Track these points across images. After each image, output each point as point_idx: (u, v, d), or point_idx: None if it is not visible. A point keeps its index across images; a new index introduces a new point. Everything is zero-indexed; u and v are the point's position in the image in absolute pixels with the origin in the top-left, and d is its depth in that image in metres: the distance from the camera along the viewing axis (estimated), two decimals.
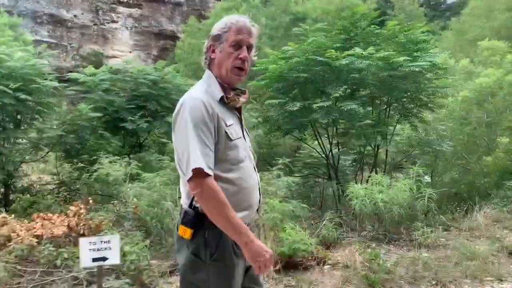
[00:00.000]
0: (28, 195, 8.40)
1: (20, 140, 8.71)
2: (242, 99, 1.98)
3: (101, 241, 3.60)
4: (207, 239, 1.83)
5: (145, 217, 4.87)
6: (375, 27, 7.31)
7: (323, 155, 7.37)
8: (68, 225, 4.91)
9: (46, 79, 8.44)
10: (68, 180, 9.55)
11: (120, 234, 4.56)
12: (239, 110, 2.01)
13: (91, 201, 5.20)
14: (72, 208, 5.22)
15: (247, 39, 1.91)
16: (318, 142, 7.27)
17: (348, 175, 8.23)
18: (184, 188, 1.93)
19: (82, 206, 5.17)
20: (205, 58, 1.98)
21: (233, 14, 2.01)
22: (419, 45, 7.22)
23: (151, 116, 10.47)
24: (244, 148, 1.95)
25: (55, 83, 8.68)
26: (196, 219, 1.83)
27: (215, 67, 1.95)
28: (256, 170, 2.02)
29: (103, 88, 10.58)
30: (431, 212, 6.20)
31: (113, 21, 27.56)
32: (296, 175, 7.53)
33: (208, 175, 1.75)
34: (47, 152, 9.38)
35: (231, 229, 1.76)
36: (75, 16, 26.06)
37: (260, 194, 2.02)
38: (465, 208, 6.98)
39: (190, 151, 1.74)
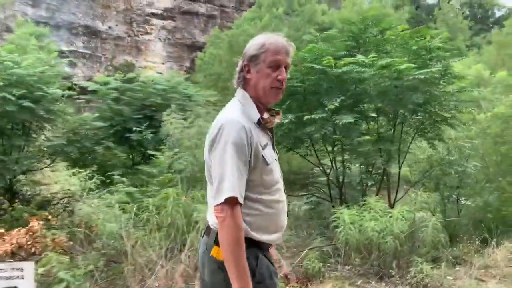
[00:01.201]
0: (28, 205, 8.15)
1: (30, 148, 8.56)
2: (276, 119, 1.97)
3: (12, 268, 3.11)
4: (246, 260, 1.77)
5: (101, 237, 4.38)
6: (390, 33, 6.55)
7: (324, 174, 6.67)
8: (16, 243, 4.49)
9: (58, 88, 8.29)
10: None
11: (72, 255, 4.08)
12: (271, 130, 1.98)
13: (50, 216, 4.78)
14: (32, 223, 4.82)
15: (285, 59, 1.90)
16: (317, 158, 6.57)
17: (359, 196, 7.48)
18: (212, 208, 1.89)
19: (38, 222, 4.75)
20: (238, 78, 1.95)
21: (267, 33, 1.97)
22: (433, 52, 6.43)
23: (159, 127, 10.08)
24: (277, 169, 1.94)
25: (62, 92, 8.49)
26: None
27: (250, 88, 1.92)
28: (285, 190, 2.00)
29: (112, 97, 10.39)
30: (440, 244, 5.35)
31: (147, 33, 27.89)
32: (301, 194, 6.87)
33: (238, 203, 1.75)
34: (52, 162, 9.16)
35: (235, 269, 1.71)
36: (109, 27, 26.55)
37: (286, 216, 2.01)
38: (485, 240, 6.06)
39: (227, 177, 1.73)
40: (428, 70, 5.58)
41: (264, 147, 1.85)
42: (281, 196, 1.94)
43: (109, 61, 25.98)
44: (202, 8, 29.34)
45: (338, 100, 5.55)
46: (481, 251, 5.52)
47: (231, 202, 1.72)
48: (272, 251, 2.11)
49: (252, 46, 1.92)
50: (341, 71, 5.56)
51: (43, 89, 7.71)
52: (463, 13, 45.45)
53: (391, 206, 6.12)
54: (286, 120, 5.60)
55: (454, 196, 8.96)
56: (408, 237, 4.86)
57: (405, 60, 5.98)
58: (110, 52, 26.33)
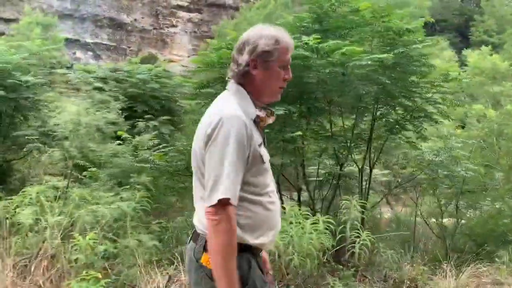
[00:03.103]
0: None
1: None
2: (270, 120, 1.86)
3: None
4: (238, 266, 1.66)
5: None
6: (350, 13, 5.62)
7: None
8: None
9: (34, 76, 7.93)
10: None
11: None
12: (262, 129, 1.85)
13: None
14: None
15: (290, 58, 1.82)
16: None
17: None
18: (202, 210, 1.73)
19: None
20: (238, 71, 1.77)
21: (267, 25, 1.84)
22: (404, 36, 5.47)
23: (139, 118, 9.60)
24: (270, 171, 1.84)
25: (34, 79, 8.14)
26: None
27: (253, 84, 1.78)
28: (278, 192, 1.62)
29: (94, 87, 10.06)
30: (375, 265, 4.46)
31: (173, 26, 27.74)
32: None
33: (232, 205, 1.63)
34: (28, 153, 8.88)
35: (225, 278, 1.60)
36: (135, 20, 26.61)
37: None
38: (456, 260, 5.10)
39: (223, 176, 1.61)
40: (379, 56, 4.65)
41: (259, 145, 1.74)
42: (276, 197, 1.84)
43: (134, 54, 26.02)
44: (229, 0, 28.80)
45: None
46: (437, 275, 4.56)
47: (225, 204, 1.61)
48: (265, 255, 1.96)
49: (263, 40, 1.74)
50: None
51: (15, 76, 7.33)
52: None
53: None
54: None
55: (452, 204, 7.92)
56: (332, 255, 4.04)
57: (358, 43, 5.08)
58: (135, 45, 26.40)
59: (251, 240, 1.72)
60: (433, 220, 8.28)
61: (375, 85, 5.02)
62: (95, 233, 3.40)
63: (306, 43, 4.87)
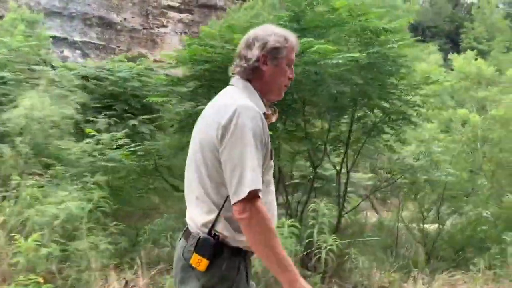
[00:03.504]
0: None
1: None
2: (274, 118, 1.84)
3: None
4: (224, 272, 1.63)
5: None
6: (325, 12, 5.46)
7: None
8: None
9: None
10: None
11: None
12: None
13: None
14: None
15: (294, 58, 1.84)
16: None
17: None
18: (200, 210, 1.67)
19: None
20: (247, 67, 1.74)
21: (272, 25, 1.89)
22: (382, 36, 5.33)
23: (119, 117, 9.35)
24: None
25: (11, 75, 7.94)
26: (216, 249, 1.62)
27: (261, 80, 1.75)
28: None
29: (74, 84, 9.81)
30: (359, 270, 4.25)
31: (163, 26, 27.49)
32: None
33: (259, 198, 1.57)
34: None
35: (276, 263, 1.57)
36: (124, 19, 26.32)
37: None
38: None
39: (247, 168, 1.54)
40: (352, 55, 4.49)
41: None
42: (274, 197, 1.80)
43: (124, 53, 25.70)
44: (220, 1, 28.64)
45: None
46: (408, 283, 4.39)
47: (252, 196, 1.54)
48: None
49: (273, 37, 1.76)
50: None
51: None
52: (506, 12, 42.64)
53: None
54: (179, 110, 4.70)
55: (433, 209, 7.81)
56: (299, 260, 3.85)
57: (334, 43, 4.91)
58: (125, 44, 26.13)
59: (243, 241, 1.64)
60: (415, 225, 8.16)
61: (349, 85, 4.85)
62: (41, 234, 3.19)
63: None
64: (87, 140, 5.24)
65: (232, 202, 1.57)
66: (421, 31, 37.09)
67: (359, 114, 6.35)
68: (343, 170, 6.66)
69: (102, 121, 8.15)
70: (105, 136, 5.17)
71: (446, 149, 7.86)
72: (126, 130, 6.05)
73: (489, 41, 32.64)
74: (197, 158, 1.68)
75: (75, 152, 4.63)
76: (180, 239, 1.78)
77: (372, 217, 10.36)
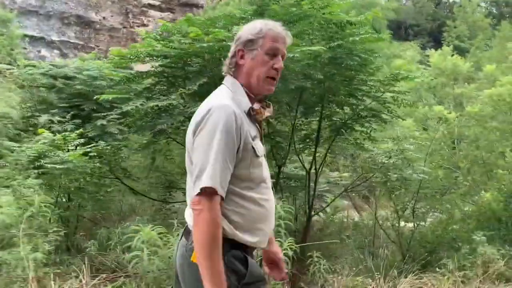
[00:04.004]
0: None
1: None
2: (267, 112, 1.81)
3: None
4: (229, 264, 1.62)
5: None
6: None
7: None
8: None
9: None
10: None
11: None
12: (259, 123, 1.81)
13: None
14: None
15: (282, 48, 1.78)
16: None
17: None
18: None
19: None
20: (230, 64, 1.79)
21: (265, 19, 1.85)
22: (347, 30, 5.12)
23: (86, 118, 9.01)
24: (266, 166, 1.79)
25: None
26: None
27: (242, 75, 1.77)
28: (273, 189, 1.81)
29: (39, 84, 9.47)
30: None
31: (143, 25, 27.06)
32: None
33: (218, 195, 1.58)
34: None
35: (208, 271, 1.55)
36: (104, 18, 25.88)
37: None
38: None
39: (209, 164, 1.57)
40: (311, 48, 4.27)
41: (254, 138, 1.70)
42: (270, 195, 1.79)
43: (103, 53, 25.22)
44: (201, 0, 28.32)
45: (197, 83, 4.33)
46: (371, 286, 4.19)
47: (210, 193, 1.56)
48: (276, 248, 1.96)
49: (247, 30, 1.78)
50: (200, 46, 4.34)
51: None
52: (488, 10, 43.08)
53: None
54: (131, 107, 4.44)
55: (409, 208, 7.64)
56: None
57: (297, 37, 4.70)
58: (104, 44, 25.66)
59: (243, 237, 1.67)
60: (389, 224, 7.99)
61: (310, 81, 4.63)
62: None
63: (219, 31, 4.45)
64: (38, 139, 4.95)
65: (191, 194, 1.60)
66: (404, 30, 37.29)
67: (328, 112, 6.17)
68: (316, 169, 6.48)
69: (66, 121, 7.87)
70: (56, 137, 4.88)
71: (422, 146, 7.72)
72: (81, 130, 5.75)
73: (470, 40, 32.90)
74: (187, 159, 1.72)
75: (19, 152, 4.34)
76: (181, 238, 1.78)
77: (355, 217, 10.21)
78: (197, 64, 4.92)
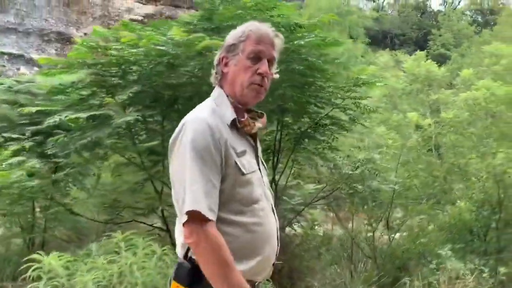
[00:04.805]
0: None
1: None
2: (259, 124, 1.63)
3: None
4: None
5: None
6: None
7: None
8: None
9: None
10: None
11: None
12: (254, 137, 1.63)
13: None
14: None
15: (269, 51, 1.61)
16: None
17: None
18: (178, 231, 1.54)
19: None
20: (216, 73, 1.65)
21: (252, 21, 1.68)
22: (297, 33, 4.81)
23: (49, 134, 8.62)
24: (260, 184, 1.59)
25: None
26: (192, 275, 1.46)
27: (227, 84, 1.62)
28: (275, 212, 1.63)
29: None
30: None
31: None
32: None
33: (209, 220, 1.40)
34: None
35: None
36: (85, 34, 25.58)
37: (278, 244, 1.62)
38: None
39: (187, 187, 1.41)
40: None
41: (240, 154, 1.51)
42: (267, 218, 1.56)
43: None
44: (185, 14, 27.95)
45: (132, 91, 3.99)
46: None
47: (198, 219, 1.38)
48: None
49: (231, 35, 1.64)
50: (128, 52, 4.02)
51: None
52: (473, 18, 43.35)
53: None
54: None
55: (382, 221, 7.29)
56: None
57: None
58: None
59: None
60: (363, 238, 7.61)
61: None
62: None
63: (171, 38, 4.14)
64: None
65: (181, 223, 1.44)
66: (390, 39, 37.32)
67: (291, 121, 5.85)
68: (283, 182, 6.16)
69: (26, 139, 7.47)
70: None
71: (396, 154, 7.40)
72: (19, 147, 5.38)
73: (456, 47, 32.93)
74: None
75: None
76: None
77: (337, 229, 9.86)
78: (136, 73, 4.57)
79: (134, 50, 4.08)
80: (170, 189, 1.56)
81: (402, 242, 6.62)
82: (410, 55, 31.79)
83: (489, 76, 8.84)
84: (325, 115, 5.62)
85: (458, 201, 6.98)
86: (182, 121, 1.53)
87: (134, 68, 4.57)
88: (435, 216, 6.61)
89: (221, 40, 4.34)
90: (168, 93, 4.32)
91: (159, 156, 4.35)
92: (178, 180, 1.47)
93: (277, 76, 1.69)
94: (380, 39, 36.98)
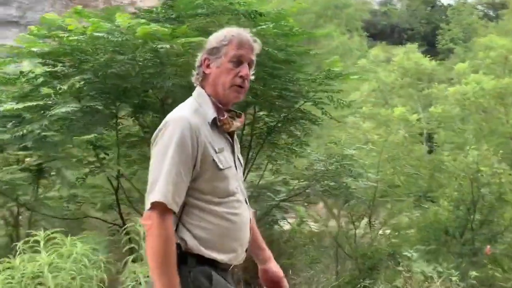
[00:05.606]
0: None
1: None
2: (237, 123, 1.76)
3: None
4: (194, 280, 1.57)
5: None
6: None
7: None
8: None
9: None
10: None
11: None
12: (231, 134, 1.76)
13: None
14: None
15: (249, 55, 1.73)
16: None
17: None
18: None
19: None
20: (197, 73, 1.77)
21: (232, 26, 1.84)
22: (258, 22, 4.59)
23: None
24: (236, 179, 1.73)
25: None
26: (179, 259, 1.55)
27: (209, 84, 1.74)
28: (248, 205, 1.78)
29: None
30: None
31: None
32: None
33: (169, 211, 1.54)
34: None
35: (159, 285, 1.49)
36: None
37: (250, 232, 1.77)
38: None
39: (161, 179, 1.55)
40: (190, 39, 3.73)
41: (218, 151, 1.64)
42: (241, 209, 1.69)
43: None
44: None
45: (76, 80, 3.82)
46: None
47: (160, 208, 1.52)
48: (276, 267, 1.88)
49: (213, 38, 1.74)
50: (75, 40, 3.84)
51: None
52: (484, 13, 42.43)
53: None
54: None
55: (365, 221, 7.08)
56: None
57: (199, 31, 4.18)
58: None
59: (210, 254, 1.61)
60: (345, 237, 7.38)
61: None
62: None
63: (117, 26, 3.94)
64: None
65: (145, 208, 1.56)
66: (398, 34, 36.70)
67: (264, 115, 5.65)
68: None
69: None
70: None
71: (379, 151, 7.15)
72: None
73: (466, 42, 32.24)
74: None
75: None
76: None
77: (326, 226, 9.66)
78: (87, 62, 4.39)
79: (76, 38, 3.89)
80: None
81: (381, 241, 6.39)
82: (419, 50, 31.26)
83: (482, 70, 8.50)
84: (296, 109, 5.40)
85: (441, 200, 6.72)
86: (165, 119, 1.65)
87: (84, 57, 4.40)
88: (416, 215, 6.35)
89: (175, 28, 4.16)
90: (117, 83, 4.13)
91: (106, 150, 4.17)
92: (154, 172, 1.57)
93: (253, 77, 1.76)
94: (387, 33, 36.41)
